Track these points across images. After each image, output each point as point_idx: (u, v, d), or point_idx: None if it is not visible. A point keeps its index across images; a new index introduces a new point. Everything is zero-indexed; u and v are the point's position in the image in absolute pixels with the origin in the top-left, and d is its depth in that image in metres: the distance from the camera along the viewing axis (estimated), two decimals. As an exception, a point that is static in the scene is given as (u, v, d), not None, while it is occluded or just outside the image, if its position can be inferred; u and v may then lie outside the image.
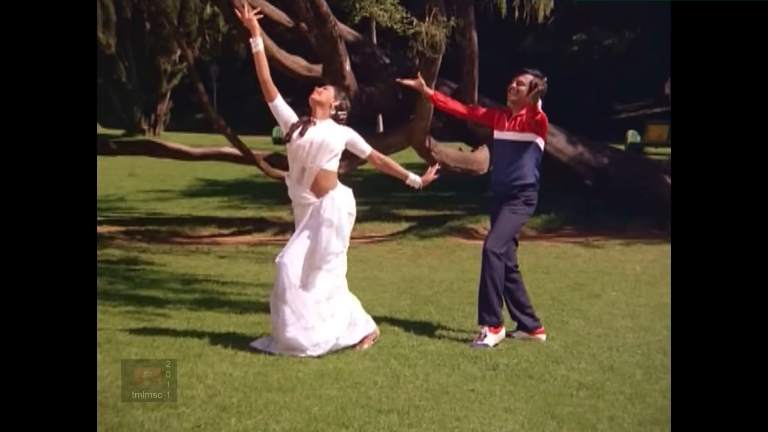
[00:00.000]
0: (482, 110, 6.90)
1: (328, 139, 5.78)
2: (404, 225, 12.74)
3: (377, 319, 6.80)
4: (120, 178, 19.73)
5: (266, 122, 18.52)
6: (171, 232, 12.16)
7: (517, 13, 10.47)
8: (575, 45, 32.37)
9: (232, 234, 12.22)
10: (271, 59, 12.56)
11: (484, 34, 13.55)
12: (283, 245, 5.94)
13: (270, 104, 5.90)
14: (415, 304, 7.66)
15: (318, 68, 12.46)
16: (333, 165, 5.82)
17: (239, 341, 5.96)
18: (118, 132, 32.32)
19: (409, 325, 6.75)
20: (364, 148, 6.01)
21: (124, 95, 33.09)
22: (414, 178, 6.17)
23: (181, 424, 4.25)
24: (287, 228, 12.82)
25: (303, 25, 11.98)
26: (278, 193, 16.33)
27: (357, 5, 9.84)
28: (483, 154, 12.58)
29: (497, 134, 6.45)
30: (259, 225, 13.03)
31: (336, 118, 5.91)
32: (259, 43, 5.85)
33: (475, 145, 13.06)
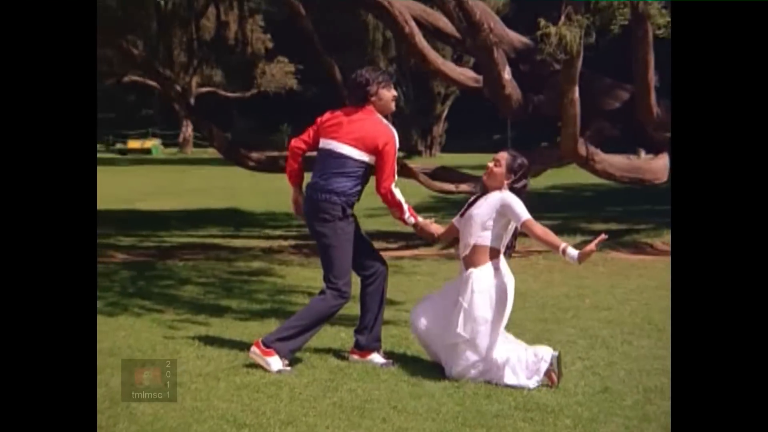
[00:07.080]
0: None
1: (475, 212, 5.52)
2: (578, 239, 11.99)
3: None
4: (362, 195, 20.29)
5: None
6: (337, 246, 12.31)
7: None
8: None
9: (399, 248, 12.14)
10: (438, 72, 12.49)
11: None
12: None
13: None
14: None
15: (487, 79, 12.15)
16: (484, 240, 5.45)
17: (222, 349, 5.97)
18: (400, 154, 33.39)
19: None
20: (520, 213, 5.38)
21: (403, 119, 34.28)
22: (571, 253, 5.22)
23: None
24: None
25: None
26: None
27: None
28: (661, 162, 11.55)
29: None
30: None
31: (514, 189, 5.50)
32: None
33: (654, 152, 12.02)
